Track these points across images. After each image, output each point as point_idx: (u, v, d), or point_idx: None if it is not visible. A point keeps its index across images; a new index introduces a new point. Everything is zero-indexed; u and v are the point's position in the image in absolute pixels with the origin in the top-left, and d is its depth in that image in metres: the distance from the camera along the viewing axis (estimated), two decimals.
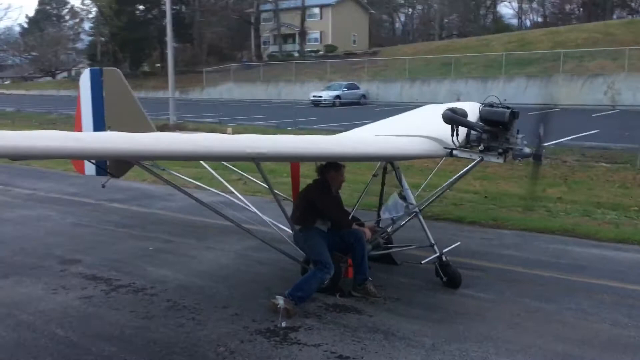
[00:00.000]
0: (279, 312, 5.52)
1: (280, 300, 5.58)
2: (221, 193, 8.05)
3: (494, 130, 5.83)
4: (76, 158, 5.08)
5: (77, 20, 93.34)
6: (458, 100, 6.68)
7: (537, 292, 6.43)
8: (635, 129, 15.26)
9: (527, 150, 5.83)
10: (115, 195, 11.76)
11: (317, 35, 68.33)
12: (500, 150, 5.85)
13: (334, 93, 40.95)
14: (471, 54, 43.99)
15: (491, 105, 5.86)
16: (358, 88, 43.40)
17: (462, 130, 6.05)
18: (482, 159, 6.05)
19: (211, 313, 5.76)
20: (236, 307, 5.91)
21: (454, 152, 6.15)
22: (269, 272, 7.05)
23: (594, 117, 27.33)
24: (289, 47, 68.37)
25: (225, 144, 4.28)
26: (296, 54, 62.77)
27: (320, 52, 61.73)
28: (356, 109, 35.21)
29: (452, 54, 44.64)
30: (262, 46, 71.96)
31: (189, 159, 5.11)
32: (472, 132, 5.95)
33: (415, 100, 33.10)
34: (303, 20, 64.44)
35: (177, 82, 52.36)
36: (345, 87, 42.25)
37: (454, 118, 5.96)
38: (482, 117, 5.84)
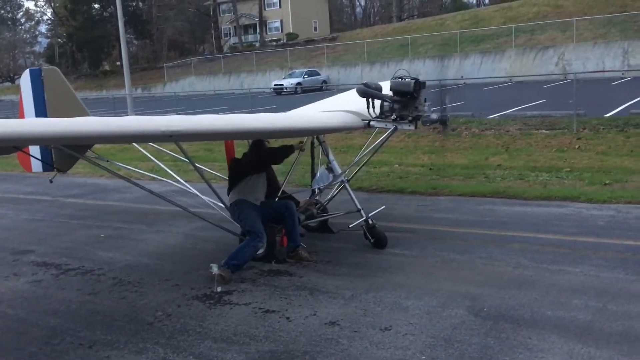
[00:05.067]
0: (215, 279, 6.00)
1: (215, 268, 6.05)
2: (173, 183, 8.28)
3: (404, 100, 6.38)
4: None
5: (33, 22, 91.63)
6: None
7: (456, 246, 7.02)
8: (580, 96, 15.99)
9: (434, 116, 6.41)
10: (72, 191, 12.09)
11: (277, 24, 68.30)
12: (410, 118, 6.42)
13: (295, 80, 41.16)
14: (428, 33, 44.62)
15: (400, 78, 6.42)
16: (319, 74, 43.72)
17: (377, 103, 6.59)
18: (396, 128, 6.61)
19: (153, 285, 6.21)
20: (177, 279, 6.37)
21: (371, 123, 6.69)
22: (212, 248, 7.51)
23: (545, 88, 28.15)
24: (250, 37, 68.26)
25: (141, 124, 4.67)
26: (257, 44, 62.73)
27: (282, 41, 61.72)
28: (318, 95, 35.47)
29: (409, 34, 45.21)
30: (223, 38, 71.70)
31: (104, 140, 5.43)
32: (385, 103, 6.49)
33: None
34: (261, 10, 64.40)
35: (138, 79, 52.29)
36: (306, 74, 42.46)
37: (366, 91, 6.51)
38: (392, 89, 6.39)
